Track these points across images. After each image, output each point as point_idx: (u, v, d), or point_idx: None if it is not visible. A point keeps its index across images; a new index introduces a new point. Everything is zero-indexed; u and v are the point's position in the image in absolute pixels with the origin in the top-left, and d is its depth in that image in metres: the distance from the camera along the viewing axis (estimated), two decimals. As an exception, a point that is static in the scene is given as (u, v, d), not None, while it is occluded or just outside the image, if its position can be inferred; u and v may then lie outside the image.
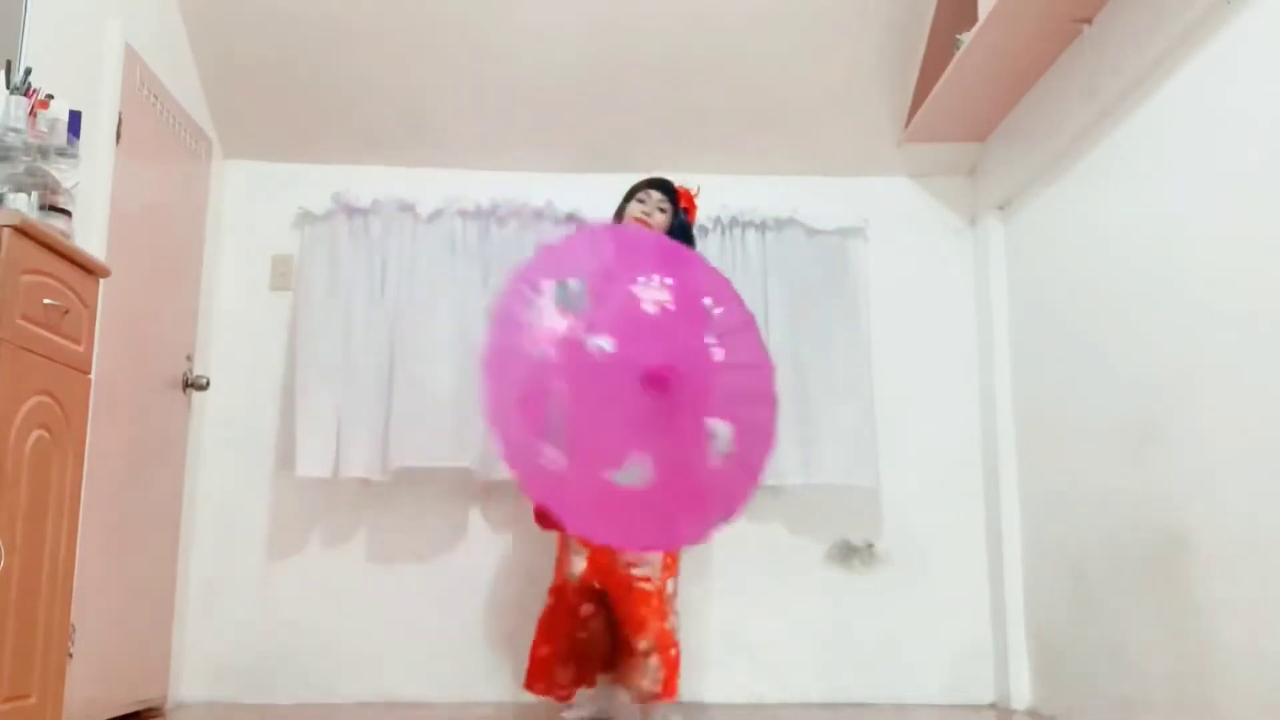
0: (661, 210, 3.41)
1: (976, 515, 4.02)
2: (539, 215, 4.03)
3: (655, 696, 3.08)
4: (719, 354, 2.86)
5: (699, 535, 2.98)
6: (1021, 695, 3.76)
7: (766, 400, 2.90)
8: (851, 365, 4.01)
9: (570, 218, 4.05)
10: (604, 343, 2.70)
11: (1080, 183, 3.42)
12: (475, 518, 3.96)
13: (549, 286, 2.74)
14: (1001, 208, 4.05)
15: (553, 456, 2.62)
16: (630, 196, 3.48)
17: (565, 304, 2.78)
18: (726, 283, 3.09)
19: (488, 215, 4.03)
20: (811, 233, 4.09)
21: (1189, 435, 2.77)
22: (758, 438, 2.83)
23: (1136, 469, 3.02)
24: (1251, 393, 2.50)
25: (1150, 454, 2.95)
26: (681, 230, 3.44)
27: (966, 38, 3.39)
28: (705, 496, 2.78)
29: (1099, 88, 3.18)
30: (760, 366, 2.95)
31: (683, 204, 3.48)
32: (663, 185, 3.46)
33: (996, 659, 3.90)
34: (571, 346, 2.68)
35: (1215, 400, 2.65)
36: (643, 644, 3.06)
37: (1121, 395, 3.11)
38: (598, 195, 4.00)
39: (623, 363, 2.68)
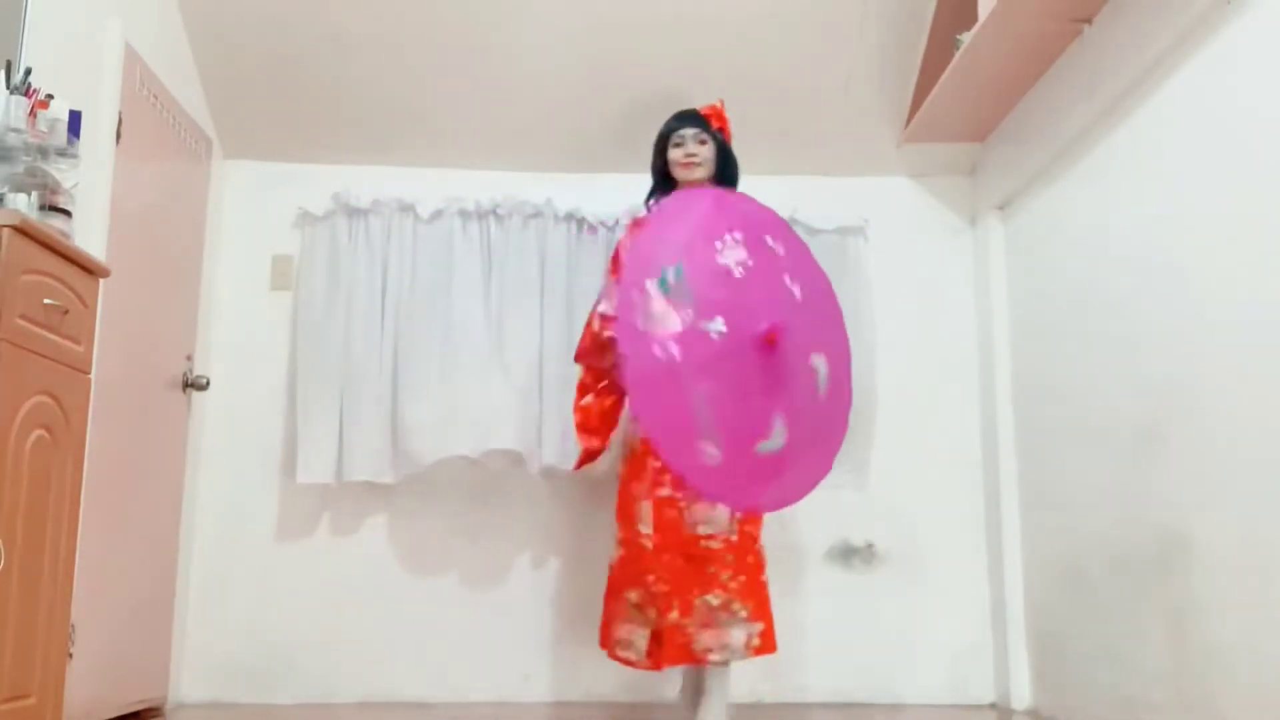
0: (701, 143, 3.37)
1: (976, 515, 4.02)
2: (539, 215, 4.04)
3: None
4: (797, 291, 2.94)
5: (825, 468, 2.99)
6: (1021, 695, 3.76)
7: (836, 319, 3.05)
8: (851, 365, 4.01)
9: (570, 217, 4.05)
10: (718, 325, 2.78)
11: (1080, 183, 3.42)
12: (476, 518, 3.96)
13: (652, 285, 2.79)
14: (1001, 208, 4.05)
15: (711, 453, 2.71)
16: (663, 144, 3.41)
17: (671, 295, 2.81)
18: (767, 211, 3.15)
19: (488, 215, 4.03)
20: (812, 233, 4.09)
21: (1189, 435, 2.77)
22: (840, 359, 2.97)
23: (1136, 469, 3.02)
24: (1251, 393, 2.50)
25: (1150, 454, 2.95)
26: (724, 152, 3.41)
27: (966, 38, 3.39)
28: (822, 436, 2.92)
29: (1099, 88, 3.18)
30: (819, 281, 3.04)
31: (716, 125, 3.42)
32: (692, 118, 3.41)
33: (996, 659, 3.90)
34: (694, 339, 2.76)
35: (1215, 400, 2.65)
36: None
37: (1121, 395, 3.11)
38: (598, 195, 4.02)
39: (740, 337, 2.77)
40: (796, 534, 4.00)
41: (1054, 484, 3.60)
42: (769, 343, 2.77)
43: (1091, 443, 3.30)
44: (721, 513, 3.08)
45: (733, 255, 2.88)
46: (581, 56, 3.85)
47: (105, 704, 3.15)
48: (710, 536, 3.08)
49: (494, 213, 4.03)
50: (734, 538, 3.10)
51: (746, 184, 4.12)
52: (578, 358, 3.44)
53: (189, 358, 3.76)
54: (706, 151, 3.38)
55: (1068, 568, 3.47)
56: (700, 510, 3.08)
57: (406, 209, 4.02)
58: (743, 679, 3.88)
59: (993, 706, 3.89)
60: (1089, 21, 3.20)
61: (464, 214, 4.02)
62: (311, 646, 3.84)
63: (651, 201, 3.47)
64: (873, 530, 4.02)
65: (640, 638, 3.10)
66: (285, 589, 3.88)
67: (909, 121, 4.00)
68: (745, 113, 4.00)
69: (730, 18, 3.75)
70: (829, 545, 4.02)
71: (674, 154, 3.38)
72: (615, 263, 3.41)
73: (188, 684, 3.79)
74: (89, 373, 2.48)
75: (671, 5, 3.73)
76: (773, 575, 3.93)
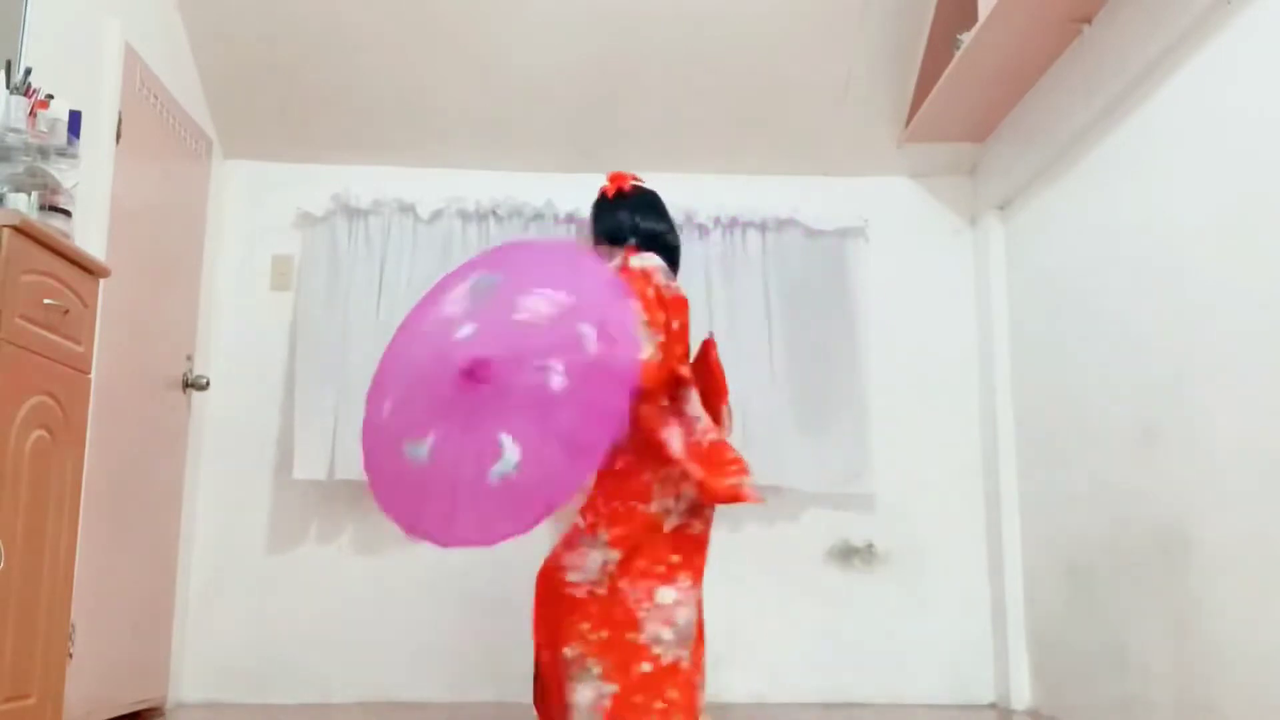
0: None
1: (976, 515, 4.02)
2: (539, 215, 4.04)
3: None
4: (557, 382, 2.48)
5: (440, 533, 2.61)
6: (1021, 695, 3.76)
7: (588, 451, 2.50)
8: (851, 366, 4.02)
9: (570, 217, 4.05)
10: (464, 330, 2.54)
11: (1080, 183, 3.42)
12: (475, 518, 3.96)
13: (475, 277, 2.67)
14: (1001, 208, 4.05)
15: (382, 406, 2.56)
16: None
17: (474, 293, 2.64)
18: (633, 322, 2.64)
19: (488, 215, 4.04)
20: (811, 233, 4.10)
21: (1189, 435, 2.77)
22: (541, 484, 2.47)
23: (1136, 469, 3.02)
24: (1251, 393, 2.50)
25: (1150, 454, 2.95)
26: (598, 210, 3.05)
27: (966, 38, 3.39)
28: (460, 500, 2.51)
29: (1099, 88, 3.18)
30: (604, 416, 2.50)
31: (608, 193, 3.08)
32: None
33: (996, 659, 3.90)
34: (435, 314, 2.63)
35: (1215, 400, 2.65)
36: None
37: (1121, 395, 3.11)
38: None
39: (455, 346, 2.51)
40: (797, 534, 4.01)
41: (1054, 484, 3.60)
42: (469, 372, 2.46)
43: (1091, 443, 3.30)
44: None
45: (536, 305, 2.57)
46: (581, 57, 3.85)
47: (105, 704, 3.15)
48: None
49: (494, 213, 4.03)
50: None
51: (748, 183, 4.15)
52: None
53: (189, 358, 3.76)
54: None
55: (1068, 568, 3.47)
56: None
57: (406, 209, 4.02)
58: (743, 679, 3.89)
59: (993, 706, 3.88)
60: (1089, 21, 3.20)
61: (464, 214, 4.02)
62: (311, 647, 3.84)
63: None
64: (873, 530, 4.02)
65: None
66: (285, 589, 3.88)
67: (909, 121, 4.00)
68: (745, 112, 4.01)
69: (731, 17, 3.75)
70: (829, 545, 4.02)
71: None
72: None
73: (188, 684, 3.79)
74: (89, 373, 2.48)
75: (672, 5, 3.73)
76: (773, 575, 3.96)
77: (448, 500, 2.49)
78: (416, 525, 2.54)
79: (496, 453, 2.43)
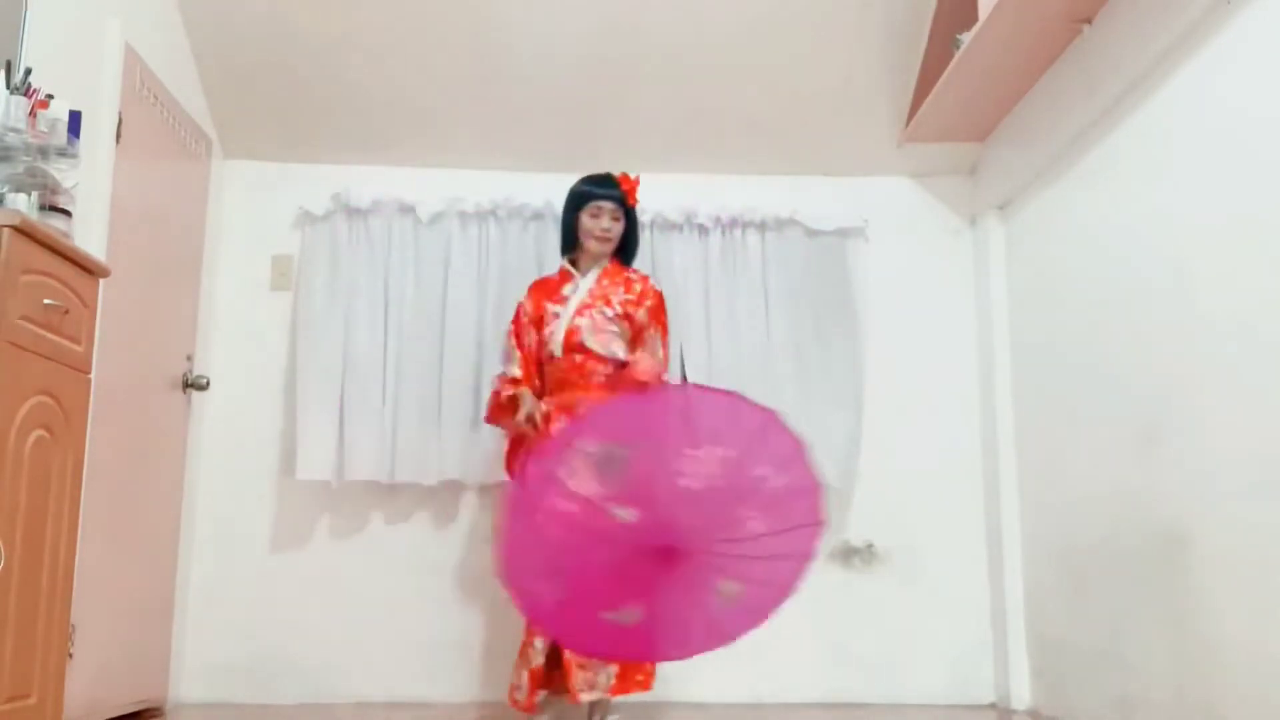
0: (616, 219, 3.38)
1: (976, 515, 4.02)
2: (539, 215, 4.04)
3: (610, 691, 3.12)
4: (756, 526, 2.77)
5: (681, 655, 3.02)
6: (1021, 695, 3.76)
7: (799, 557, 2.79)
8: (851, 366, 4.01)
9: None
10: (625, 513, 2.71)
11: (1080, 183, 3.42)
12: (473, 519, 3.96)
13: (594, 448, 2.77)
14: (1001, 208, 4.05)
15: (550, 590, 2.76)
16: (579, 206, 3.40)
17: (604, 469, 2.77)
18: (796, 444, 2.81)
19: (488, 215, 4.04)
20: (811, 233, 4.10)
21: (1189, 435, 2.77)
22: (771, 591, 2.77)
23: (1136, 469, 3.02)
24: (1251, 393, 2.50)
25: (1150, 454, 2.95)
26: (630, 229, 3.44)
27: (966, 38, 3.39)
28: (693, 630, 2.81)
29: (1099, 88, 3.18)
30: (808, 525, 2.79)
31: (630, 202, 3.42)
32: (613, 195, 3.37)
33: (996, 659, 3.90)
34: (593, 508, 2.72)
35: (1215, 400, 2.65)
36: None
37: (1121, 395, 3.11)
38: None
39: (636, 533, 2.70)
40: (796, 534, 4.00)
41: (1054, 484, 3.60)
42: (664, 554, 2.68)
43: (1091, 443, 3.30)
44: None
45: (699, 468, 2.74)
46: (582, 57, 3.85)
47: (105, 704, 3.15)
48: None
49: (494, 213, 4.03)
50: None
51: (748, 183, 4.14)
52: (486, 420, 3.46)
53: (189, 358, 3.76)
54: (618, 229, 3.39)
55: (1068, 568, 3.47)
56: None
57: (407, 209, 4.02)
58: (742, 679, 3.89)
59: (993, 706, 3.88)
60: (1089, 21, 3.20)
61: (463, 215, 4.02)
62: (311, 646, 3.84)
63: (565, 260, 3.46)
64: (873, 530, 4.02)
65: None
66: (285, 589, 3.88)
67: (909, 121, 4.00)
68: (745, 112, 4.01)
69: (730, 18, 3.75)
70: (829, 545, 4.02)
71: (589, 223, 3.37)
72: (516, 324, 3.41)
73: (187, 684, 3.78)
74: (89, 373, 2.48)
75: (673, 5, 3.73)
76: (773, 575, 3.96)
77: (681, 631, 2.77)
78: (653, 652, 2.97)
79: (714, 593, 2.72)
